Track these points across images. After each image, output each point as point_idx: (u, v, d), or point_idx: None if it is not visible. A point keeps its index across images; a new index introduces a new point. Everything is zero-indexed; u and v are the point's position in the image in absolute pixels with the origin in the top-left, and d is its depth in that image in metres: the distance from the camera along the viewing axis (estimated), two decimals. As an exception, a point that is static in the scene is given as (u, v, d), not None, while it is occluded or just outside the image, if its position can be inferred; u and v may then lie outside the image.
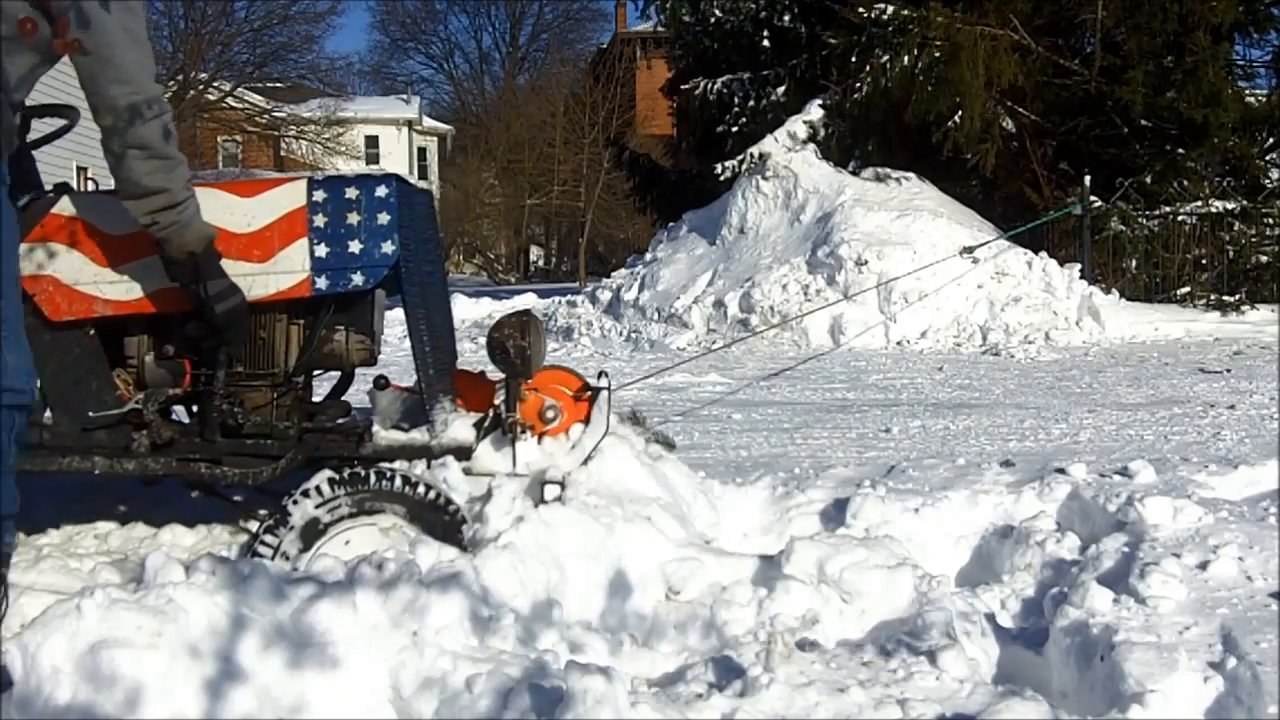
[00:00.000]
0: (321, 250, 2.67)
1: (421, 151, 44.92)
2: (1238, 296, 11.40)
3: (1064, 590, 2.52)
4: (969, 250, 10.69)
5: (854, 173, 12.96)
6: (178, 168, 2.47)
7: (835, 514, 3.22)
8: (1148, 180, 12.42)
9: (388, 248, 2.69)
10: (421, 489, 2.60)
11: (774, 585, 2.54)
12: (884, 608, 2.52)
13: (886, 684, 2.04)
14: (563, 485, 2.69)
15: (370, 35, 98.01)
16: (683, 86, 15.88)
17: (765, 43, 14.92)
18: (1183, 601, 2.31)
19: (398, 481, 2.59)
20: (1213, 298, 11.45)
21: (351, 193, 2.69)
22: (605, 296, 13.79)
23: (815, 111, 13.25)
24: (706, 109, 15.17)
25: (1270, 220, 12.03)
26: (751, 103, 14.59)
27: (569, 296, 14.90)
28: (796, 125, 13.13)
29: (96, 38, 2.34)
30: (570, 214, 39.28)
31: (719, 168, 13.43)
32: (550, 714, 1.74)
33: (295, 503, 2.56)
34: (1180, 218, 12.10)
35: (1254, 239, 11.93)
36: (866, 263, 11.15)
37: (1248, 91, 13.18)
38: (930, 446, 4.86)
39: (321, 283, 2.68)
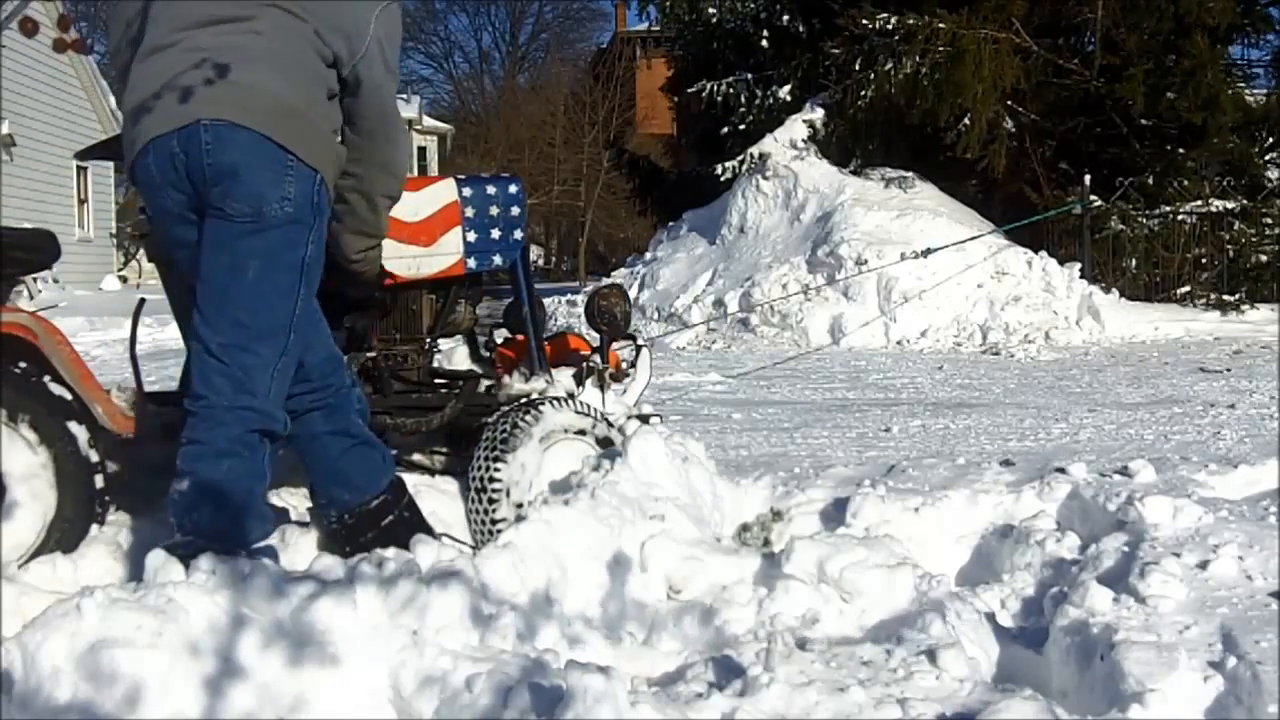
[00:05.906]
0: (472, 236, 3.09)
1: (421, 151, 44.83)
2: (1238, 296, 11.40)
3: (1064, 590, 2.52)
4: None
5: (854, 172, 12.95)
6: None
7: (835, 513, 3.21)
8: (1148, 180, 12.40)
9: (519, 234, 3.18)
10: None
11: (774, 585, 2.54)
12: (884, 607, 2.52)
13: (886, 683, 2.04)
14: (661, 418, 3.22)
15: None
16: (689, 90, 15.83)
17: (765, 43, 14.89)
18: (1183, 601, 2.30)
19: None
20: (1213, 297, 11.45)
21: (491, 189, 3.14)
22: (605, 296, 13.77)
23: (816, 111, 13.24)
24: (712, 109, 15.14)
25: (1270, 220, 12.02)
26: (758, 101, 14.56)
27: (569, 296, 14.89)
28: (796, 125, 13.11)
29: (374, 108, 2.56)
30: (570, 213, 39.30)
31: (719, 168, 13.42)
32: (550, 713, 1.74)
33: (601, 418, 3.09)
34: (1180, 217, 12.10)
35: (1254, 239, 11.92)
36: (866, 262, 11.14)
37: (1247, 92, 13.17)
38: (930, 446, 4.86)
39: (472, 263, 3.10)
